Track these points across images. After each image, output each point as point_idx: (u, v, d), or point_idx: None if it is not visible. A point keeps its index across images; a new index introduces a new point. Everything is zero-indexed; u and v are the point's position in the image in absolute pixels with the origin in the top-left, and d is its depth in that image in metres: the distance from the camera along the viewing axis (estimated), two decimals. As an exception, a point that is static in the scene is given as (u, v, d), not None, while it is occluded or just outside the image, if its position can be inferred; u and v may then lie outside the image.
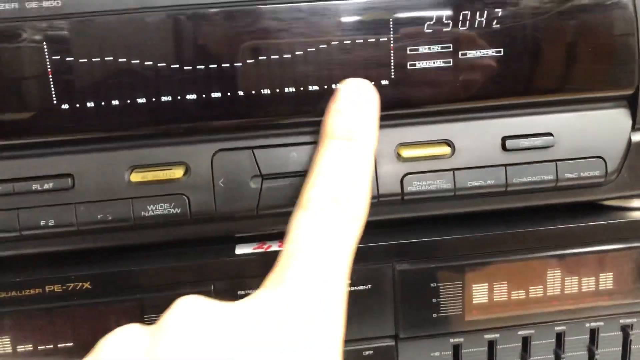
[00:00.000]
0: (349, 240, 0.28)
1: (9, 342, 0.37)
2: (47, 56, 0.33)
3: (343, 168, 0.29)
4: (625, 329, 0.42)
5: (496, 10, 0.35)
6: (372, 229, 0.40)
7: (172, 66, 0.34)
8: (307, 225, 0.28)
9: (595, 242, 0.41)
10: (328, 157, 0.30)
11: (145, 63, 0.34)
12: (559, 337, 0.42)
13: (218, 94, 0.35)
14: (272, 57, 0.34)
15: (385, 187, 0.37)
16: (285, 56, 0.34)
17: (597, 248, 0.41)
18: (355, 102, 0.32)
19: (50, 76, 0.34)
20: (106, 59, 0.33)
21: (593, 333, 0.42)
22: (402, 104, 0.36)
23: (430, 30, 0.35)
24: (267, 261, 0.38)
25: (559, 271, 0.41)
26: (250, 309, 0.25)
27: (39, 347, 0.38)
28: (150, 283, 0.38)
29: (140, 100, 0.34)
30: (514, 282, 0.41)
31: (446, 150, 0.37)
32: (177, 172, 0.36)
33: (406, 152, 0.37)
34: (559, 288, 0.42)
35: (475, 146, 0.37)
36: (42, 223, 0.35)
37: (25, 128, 0.34)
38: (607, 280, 0.42)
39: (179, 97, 0.34)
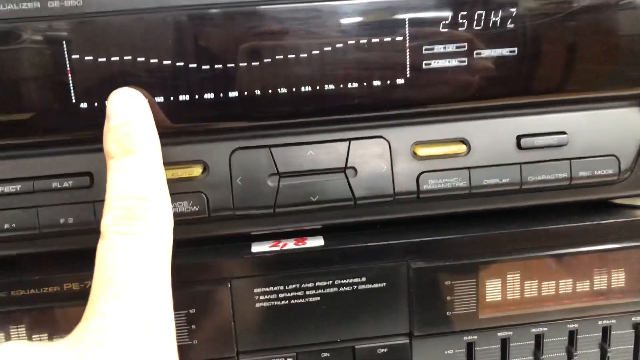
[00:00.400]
0: (156, 253, 0.28)
1: (26, 339, 0.38)
2: (66, 55, 0.33)
3: (128, 184, 0.29)
4: (638, 327, 0.43)
5: (510, 10, 0.35)
6: (387, 227, 0.41)
7: (190, 65, 0.34)
8: (108, 254, 0.28)
9: (607, 241, 0.41)
10: (112, 178, 0.29)
11: (164, 62, 0.34)
12: (572, 334, 0.42)
13: (236, 94, 0.35)
14: (289, 56, 0.35)
15: (401, 185, 0.38)
16: (302, 55, 0.35)
17: (609, 246, 0.41)
18: (121, 115, 0.30)
19: (70, 75, 0.34)
20: (125, 58, 0.34)
21: (605, 331, 0.43)
22: (417, 103, 0.37)
23: (446, 30, 0.35)
24: (283, 260, 0.39)
25: (571, 269, 0.42)
26: (65, 351, 0.25)
27: (56, 345, 0.38)
28: (167, 281, 0.38)
29: (159, 99, 0.35)
30: (527, 280, 0.41)
31: (462, 148, 0.38)
32: (196, 171, 0.36)
33: (422, 151, 0.38)
34: (571, 286, 0.42)
35: (490, 144, 0.38)
36: (62, 221, 0.35)
37: (45, 127, 0.35)
38: (619, 278, 0.42)
39: (197, 97, 0.35)
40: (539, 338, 0.42)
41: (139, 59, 0.34)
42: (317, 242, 0.40)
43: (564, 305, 0.42)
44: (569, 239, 0.41)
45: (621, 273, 0.42)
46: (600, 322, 0.42)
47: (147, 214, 0.28)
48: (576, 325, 0.42)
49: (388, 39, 0.35)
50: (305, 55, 0.35)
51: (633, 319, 0.43)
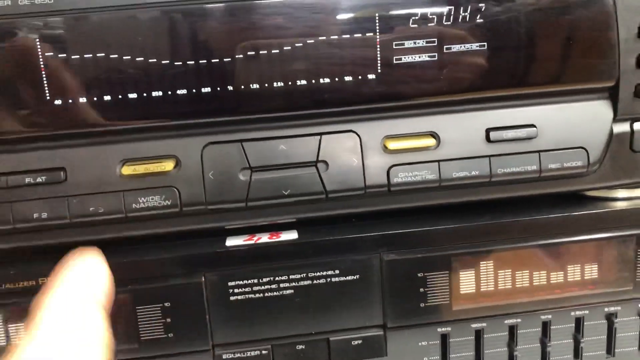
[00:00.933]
0: None
1: (3, 334, 0.38)
2: (40, 52, 0.34)
3: None
4: (610, 317, 0.43)
5: (480, 4, 0.36)
6: (359, 220, 0.41)
7: (162, 62, 0.34)
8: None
9: (579, 232, 0.42)
10: None
11: (137, 59, 0.34)
12: (545, 325, 0.43)
13: (208, 89, 0.35)
14: (260, 52, 0.35)
15: (371, 178, 0.38)
16: (274, 51, 0.35)
17: (581, 238, 0.42)
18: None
19: (43, 72, 0.34)
20: (98, 55, 0.34)
21: (578, 321, 0.43)
22: (388, 97, 0.37)
23: (415, 25, 0.36)
24: (257, 253, 0.39)
25: (544, 261, 0.42)
26: None
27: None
28: (142, 275, 0.38)
29: (132, 96, 0.35)
30: (500, 271, 0.42)
31: (431, 142, 0.38)
32: (168, 165, 0.37)
33: (392, 144, 0.38)
34: (544, 277, 0.42)
35: (459, 138, 0.38)
36: (35, 216, 0.36)
37: (19, 123, 0.35)
38: (591, 269, 0.43)
39: (169, 93, 0.35)
40: (512, 329, 0.43)
41: (112, 56, 0.34)
42: (291, 235, 0.40)
43: (537, 296, 0.43)
44: (541, 231, 0.41)
45: (593, 264, 0.43)
46: (573, 313, 0.43)
47: None
48: (549, 317, 0.43)
49: (359, 34, 0.36)
50: (277, 50, 0.35)
51: (606, 309, 0.43)
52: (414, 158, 0.38)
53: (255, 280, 0.39)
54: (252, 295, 0.40)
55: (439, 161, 0.38)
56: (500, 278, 0.42)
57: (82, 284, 0.33)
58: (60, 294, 0.32)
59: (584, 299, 0.43)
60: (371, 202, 0.39)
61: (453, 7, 0.36)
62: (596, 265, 0.43)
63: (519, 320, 0.43)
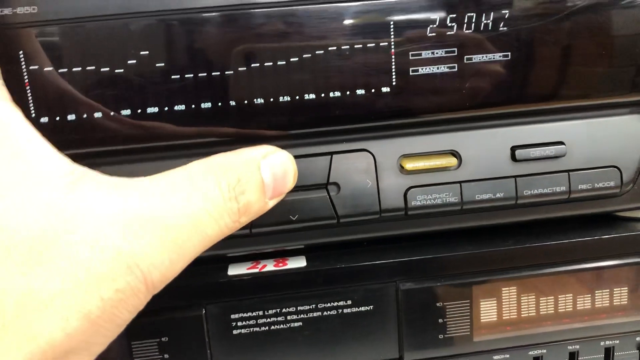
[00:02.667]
0: None
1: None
2: (23, 66, 0.31)
3: None
4: (642, 347, 0.40)
5: (503, 12, 0.33)
6: (374, 245, 0.38)
7: (158, 75, 0.32)
8: None
9: (609, 256, 0.39)
10: None
11: (131, 75, 0.31)
12: (572, 356, 0.40)
13: (208, 105, 0.32)
14: (265, 64, 0.32)
15: (387, 201, 0.35)
16: (280, 63, 0.32)
17: (611, 262, 0.39)
18: None
19: (28, 87, 0.31)
20: (87, 68, 0.31)
21: (608, 352, 0.40)
22: (404, 112, 0.34)
23: (434, 34, 0.33)
24: (262, 282, 0.36)
25: (572, 287, 0.39)
26: None
27: None
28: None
29: (125, 112, 0.32)
30: (524, 299, 0.39)
31: (452, 161, 0.35)
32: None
33: (409, 164, 0.35)
34: (571, 305, 0.39)
35: (482, 157, 0.36)
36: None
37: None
38: (621, 295, 0.40)
39: (166, 109, 0.32)
40: (537, 361, 0.40)
41: (102, 70, 0.31)
42: (299, 263, 0.37)
43: (564, 325, 0.40)
44: (568, 255, 0.39)
45: (624, 290, 0.40)
46: (602, 343, 0.40)
47: None
48: (577, 347, 0.40)
49: (372, 44, 0.33)
50: (284, 62, 0.32)
51: (637, 339, 0.40)
52: (433, 179, 0.35)
53: (260, 312, 0.37)
54: (257, 329, 0.37)
55: (460, 182, 0.35)
56: (524, 306, 0.39)
57: None
58: None
59: (614, 328, 0.40)
60: (386, 226, 0.36)
61: (475, 14, 0.33)
62: (627, 291, 0.40)
63: (544, 351, 0.40)
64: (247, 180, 0.27)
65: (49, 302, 0.22)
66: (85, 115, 0.32)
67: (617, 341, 0.40)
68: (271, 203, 0.29)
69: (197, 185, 0.26)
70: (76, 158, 0.32)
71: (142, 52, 0.31)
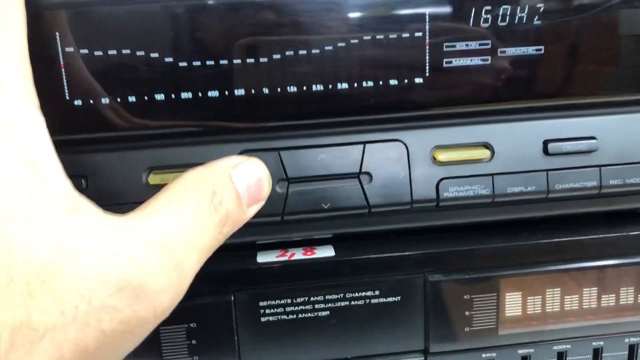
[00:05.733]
0: None
1: None
2: (59, 47, 0.31)
3: None
4: (666, 345, 0.40)
5: (538, 5, 0.33)
6: (402, 236, 0.38)
7: (193, 61, 0.31)
8: None
9: (636, 253, 0.39)
10: None
11: (165, 58, 0.31)
12: (597, 352, 0.40)
13: (242, 92, 0.32)
14: (299, 52, 0.32)
15: (419, 192, 0.35)
16: (313, 51, 0.32)
17: (638, 259, 0.39)
18: None
19: (63, 69, 0.31)
20: (123, 52, 0.31)
21: (632, 349, 0.40)
22: (437, 103, 0.34)
23: (468, 26, 0.33)
24: (291, 271, 0.36)
25: (598, 283, 0.39)
26: None
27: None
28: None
29: (159, 97, 0.32)
30: (550, 294, 0.39)
31: (485, 153, 0.35)
32: (198, 175, 0.33)
33: (442, 156, 0.35)
34: (596, 301, 0.39)
35: (515, 149, 0.35)
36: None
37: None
38: (647, 293, 0.40)
39: (199, 95, 0.32)
40: (561, 356, 0.40)
41: (138, 54, 0.31)
42: (328, 252, 0.37)
43: (589, 321, 0.40)
44: (596, 251, 0.38)
45: (650, 287, 0.40)
46: (627, 340, 0.40)
47: None
48: (601, 343, 0.40)
49: (406, 34, 0.32)
50: (317, 51, 0.32)
51: (661, 336, 0.40)
52: (465, 171, 0.35)
53: (289, 301, 0.36)
54: (285, 317, 0.37)
55: (492, 175, 0.35)
56: (550, 301, 0.39)
57: None
58: None
59: (639, 325, 0.40)
60: (417, 217, 0.36)
61: (509, 7, 0.33)
62: (652, 289, 0.40)
63: (568, 346, 0.40)
64: (221, 191, 0.27)
65: (45, 334, 0.21)
66: (119, 99, 0.32)
67: (642, 338, 0.40)
68: (250, 211, 0.29)
69: (183, 203, 0.26)
70: (110, 142, 0.33)
71: (178, 38, 0.31)
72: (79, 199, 0.24)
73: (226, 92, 0.32)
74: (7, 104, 0.23)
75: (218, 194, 0.27)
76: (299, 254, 0.37)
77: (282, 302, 0.36)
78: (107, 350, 0.23)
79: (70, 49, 0.31)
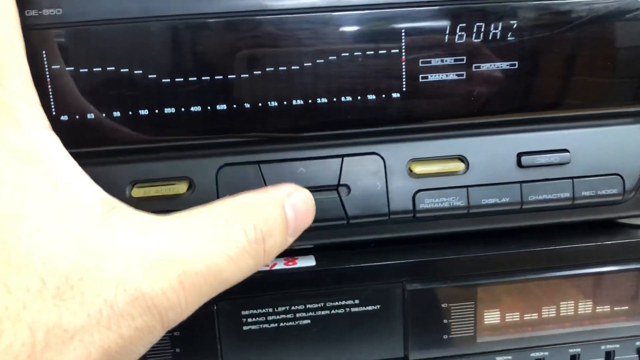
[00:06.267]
0: None
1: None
2: (46, 65, 0.32)
3: None
4: (642, 352, 0.41)
5: (511, 22, 0.34)
6: (382, 246, 0.39)
7: (175, 77, 0.32)
8: None
9: (611, 262, 0.40)
10: None
11: (148, 74, 0.32)
12: (574, 359, 0.41)
13: (224, 107, 0.33)
14: (279, 68, 0.33)
15: (396, 203, 0.36)
16: (293, 67, 0.33)
17: (612, 268, 0.40)
18: None
19: (49, 86, 0.32)
20: (108, 69, 0.32)
21: (609, 355, 0.41)
22: (414, 118, 0.35)
23: (444, 42, 0.34)
24: (272, 280, 0.37)
25: (574, 291, 0.40)
26: None
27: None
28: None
29: (143, 112, 0.33)
30: (527, 302, 0.40)
31: (460, 166, 0.36)
32: (181, 188, 0.35)
33: (418, 168, 0.36)
34: (573, 308, 0.40)
35: (489, 162, 0.36)
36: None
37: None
38: (622, 300, 0.40)
39: (182, 110, 0.33)
40: (539, 363, 0.41)
41: (121, 70, 0.32)
42: (309, 262, 0.38)
43: (566, 328, 0.40)
44: (571, 260, 0.39)
45: (625, 295, 0.40)
46: (603, 347, 0.41)
47: None
48: (578, 350, 0.41)
49: (383, 50, 0.33)
50: (297, 67, 0.33)
51: (637, 343, 0.41)
52: (441, 183, 0.36)
53: (270, 310, 0.37)
54: (267, 325, 0.37)
55: (467, 187, 0.36)
56: (527, 309, 0.40)
57: None
58: None
59: (615, 332, 0.41)
60: (395, 228, 0.37)
61: (483, 24, 0.34)
62: (628, 296, 0.40)
63: (546, 353, 0.40)
64: (273, 221, 0.27)
65: (74, 334, 0.23)
66: (104, 115, 0.33)
67: (618, 345, 0.41)
68: (291, 240, 0.29)
69: (220, 229, 0.26)
70: (95, 156, 0.34)
71: (161, 55, 0.32)
72: (112, 202, 0.26)
73: (208, 107, 0.33)
74: (25, 135, 0.25)
75: (269, 224, 0.27)
76: (280, 264, 0.38)
77: (264, 311, 0.37)
78: (124, 353, 0.24)
79: (56, 67, 0.32)
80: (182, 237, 0.25)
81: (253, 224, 0.27)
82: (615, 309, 0.40)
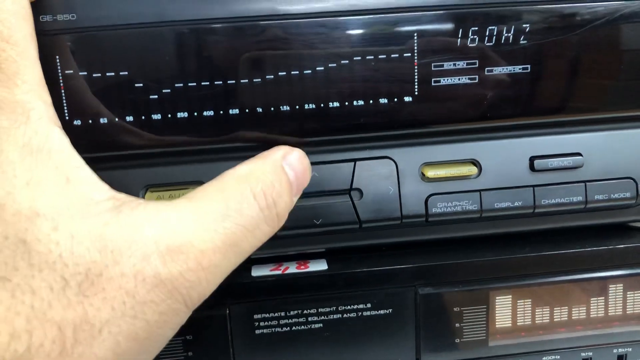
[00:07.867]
0: None
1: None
2: (59, 70, 0.32)
3: None
4: (654, 355, 0.41)
5: (523, 25, 0.34)
6: (394, 250, 0.39)
7: (188, 82, 0.33)
8: None
9: (624, 265, 0.40)
10: None
11: (161, 79, 0.32)
12: (586, 363, 0.41)
13: (236, 111, 0.33)
14: (292, 72, 0.33)
15: (408, 208, 0.36)
16: (306, 72, 0.33)
17: (625, 271, 0.40)
18: None
19: (63, 91, 0.32)
20: (121, 73, 0.32)
21: (621, 359, 0.41)
22: (426, 121, 0.35)
23: (456, 46, 0.34)
24: (285, 284, 0.37)
25: (586, 294, 0.40)
26: None
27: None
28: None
29: (155, 117, 0.33)
30: (539, 306, 0.40)
31: (472, 170, 0.36)
32: (194, 192, 0.35)
33: (431, 172, 0.36)
34: (585, 312, 0.40)
35: (502, 166, 0.36)
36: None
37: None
38: (635, 304, 0.40)
39: (195, 114, 0.33)
40: (551, 366, 0.41)
41: (135, 75, 0.32)
42: (321, 265, 0.38)
43: (577, 332, 0.40)
44: (583, 264, 0.39)
45: (637, 298, 0.40)
46: (615, 350, 0.41)
47: None
48: (590, 353, 0.41)
49: (395, 54, 0.33)
50: (309, 71, 0.33)
51: (650, 347, 0.41)
52: (453, 187, 0.36)
53: (282, 313, 0.37)
54: (279, 329, 0.37)
55: (480, 191, 0.36)
56: (539, 312, 0.40)
57: None
58: None
59: (626, 336, 0.41)
60: (407, 232, 0.37)
61: (496, 27, 0.34)
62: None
63: (557, 357, 0.40)
64: (279, 184, 0.28)
65: (102, 328, 0.23)
66: (117, 119, 0.33)
67: (630, 349, 0.41)
68: (295, 200, 0.30)
69: (231, 203, 0.26)
70: (108, 160, 0.34)
71: (174, 59, 0.32)
72: (119, 195, 0.26)
73: (221, 112, 0.33)
74: (38, 133, 0.25)
75: (276, 187, 0.28)
76: (292, 268, 0.38)
77: (276, 314, 0.37)
78: (153, 337, 0.25)
79: (69, 71, 0.32)
80: (194, 218, 0.26)
81: (263, 191, 0.27)
82: (627, 312, 0.40)
